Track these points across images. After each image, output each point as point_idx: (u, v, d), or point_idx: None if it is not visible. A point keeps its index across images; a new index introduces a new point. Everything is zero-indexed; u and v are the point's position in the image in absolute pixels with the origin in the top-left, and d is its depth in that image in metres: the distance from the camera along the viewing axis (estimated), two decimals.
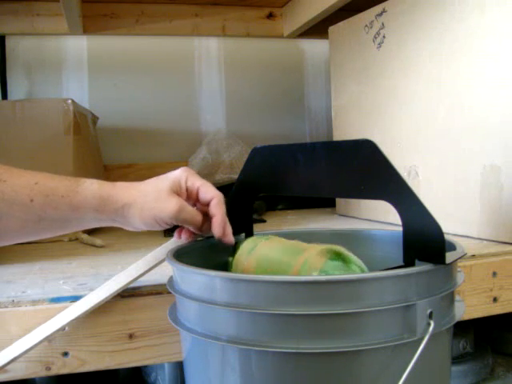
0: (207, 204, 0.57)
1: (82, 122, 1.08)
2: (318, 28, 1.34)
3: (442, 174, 0.89)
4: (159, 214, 0.53)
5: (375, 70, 1.04)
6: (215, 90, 1.61)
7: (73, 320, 0.56)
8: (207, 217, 0.57)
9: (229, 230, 0.57)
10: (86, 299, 0.58)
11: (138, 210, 0.53)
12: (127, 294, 0.61)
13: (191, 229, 0.57)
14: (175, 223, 0.55)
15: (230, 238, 0.57)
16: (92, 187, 0.53)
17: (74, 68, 1.49)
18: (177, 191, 0.55)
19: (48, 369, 0.58)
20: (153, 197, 0.54)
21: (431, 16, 0.89)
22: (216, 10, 1.47)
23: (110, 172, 1.46)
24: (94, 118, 1.30)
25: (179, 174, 0.56)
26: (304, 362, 0.41)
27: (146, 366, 0.90)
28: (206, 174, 1.47)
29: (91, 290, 0.59)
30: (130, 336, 0.60)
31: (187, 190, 0.56)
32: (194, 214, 0.55)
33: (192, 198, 0.57)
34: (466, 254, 0.47)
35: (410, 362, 0.40)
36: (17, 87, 1.45)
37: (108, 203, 0.53)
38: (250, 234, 0.62)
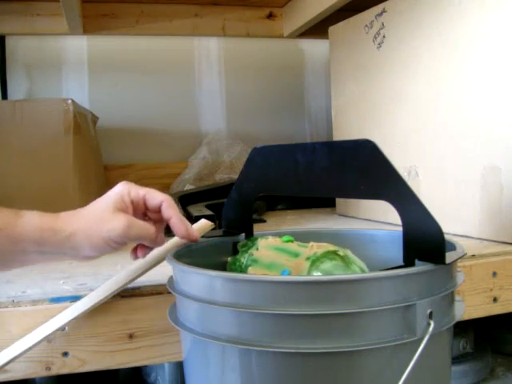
0: (158, 210, 0.55)
1: (82, 122, 1.08)
2: (318, 28, 1.34)
3: (442, 174, 0.89)
4: (108, 235, 0.51)
5: (375, 69, 1.04)
6: (215, 90, 1.61)
7: (73, 320, 0.56)
8: (160, 225, 0.56)
9: (189, 226, 0.55)
10: (86, 299, 0.58)
11: (86, 237, 0.51)
12: (127, 294, 0.61)
13: (146, 243, 0.55)
14: (127, 241, 0.53)
15: (195, 234, 0.56)
16: (32, 219, 0.51)
17: (74, 68, 1.50)
18: (121, 207, 0.53)
19: (48, 369, 0.58)
20: (98, 219, 0.51)
21: (431, 16, 0.89)
22: (216, 10, 1.47)
23: (110, 172, 1.46)
24: (94, 118, 1.30)
25: (120, 189, 0.54)
26: (304, 362, 0.41)
27: (145, 366, 0.90)
28: (205, 173, 1.47)
29: (91, 289, 0.59)
30: (130, 336, 0.60)
31: (133, 202, 0.54)
32: (144, 227, 0.53)
33: (140, 208, 0.55)
34: (466, 254, 0.47)
35: (409, 361, 0.40)
36: (17, 87, 1.45)
37: (50, 235, 0.50)
38: (250, 233, 0.62)
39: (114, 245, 0.52)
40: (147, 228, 0.53)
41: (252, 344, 0.42)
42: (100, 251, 0.53)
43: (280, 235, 0.60)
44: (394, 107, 1.00)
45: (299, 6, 1.38)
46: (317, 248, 0.52)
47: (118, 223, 0.51)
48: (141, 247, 0.56)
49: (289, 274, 0.51)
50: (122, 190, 0.54)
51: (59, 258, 0.54)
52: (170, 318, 0.50)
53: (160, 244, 0.56)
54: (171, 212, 0.54)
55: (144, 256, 0.57)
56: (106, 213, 0.52)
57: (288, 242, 0.57)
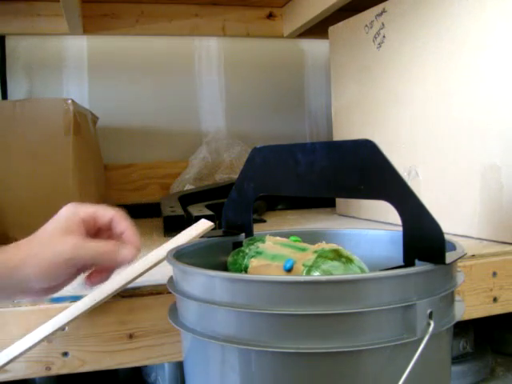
0: (110, 227, 0.53)
1: (82, 122, 1.08)
2: (318, 28, 1.34)
3: (442, 174, 0.89)
4: (56, 259, 0.47)
5: (375, 70, 1.04)
6: (215, 90, 1.61)
7: (73, 320, 0.56)
8: (118, 241, 0.53)
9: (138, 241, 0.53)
10: (86, 299, 0.58)
11: (37, 263, 0.47)
12: (127, 294, 0.61)
13: (106, 264, 0.52)
14: (80, 263, 0.50)
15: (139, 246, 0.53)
16: None
17: (74, 68, 1.50)
18: (71, 229, 0.49)
19: (48, 369, 0.58)
20: (46, 244, 0.48)
21: (431, 16, 0.89)
22: (216, 10, 1.47)
23: (110, 172, 1.47)
24: (94, 118, 1.30)
25: (68, 210, 0.51)
26: (304, 362, 0.41)
27: (145, 366, 0.90)
28: (205, 173, 1.47)
29: (91, 290, 0.59)
30: (130, 336, 0.60)
31: (84, 222, 0.51)
32: (96, 247, 0.49)
33: (92, 228, 0.52)
34: (466, 254, 0.47)
35: (409, 362, 0.40)
36: (17, 87, 1.45)
37: None
38: (250, 233, 0.62)
39: (67, 270, 0.49)
40: (100, 247, 0.50)
41: (251, 344, 0.41)
42: (52, 280, 0.49)
43: (281, 235, 0.60)
44: (393, 107, 1.00)
45: (299, 6, 1.38)
46: (317, 248, 0.52)
47: (66, 245, 0.48)
48: (95, 273, 0.53)
49: (293, 264, 0.51)
50: (69, 210, 0.51)
51: (9, 294, 0.50)
52: (170, 318, 0.50)
53: (125, 261, 0.52)
54: (123, 226, 0.52)
55: (99, 283, 0.53)
56: (54, 236, 0.49)
57: (296, 242, 0.57)
